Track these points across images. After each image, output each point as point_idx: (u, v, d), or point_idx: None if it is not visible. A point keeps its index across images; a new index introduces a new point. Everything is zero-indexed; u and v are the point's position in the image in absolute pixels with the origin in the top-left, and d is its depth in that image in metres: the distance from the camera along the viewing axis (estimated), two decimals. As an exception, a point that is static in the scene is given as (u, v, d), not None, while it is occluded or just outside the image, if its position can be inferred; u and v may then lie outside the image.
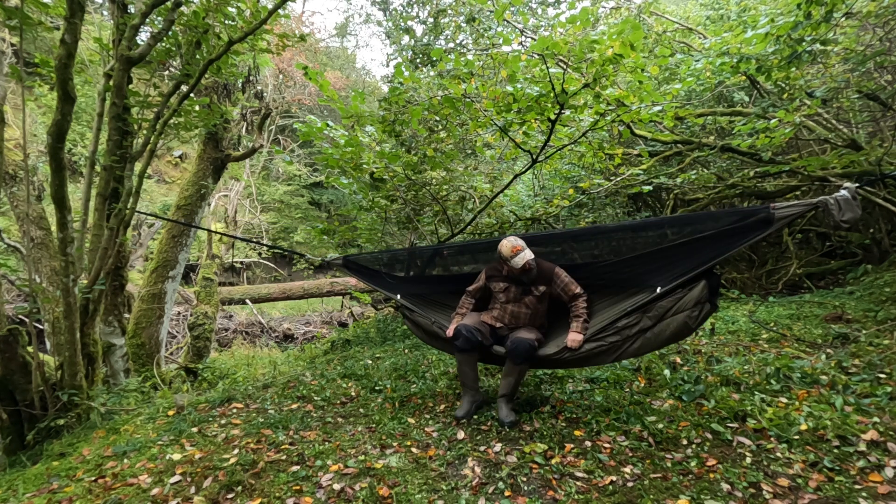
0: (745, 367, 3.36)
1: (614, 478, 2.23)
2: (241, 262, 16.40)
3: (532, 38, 6.43)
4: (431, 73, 6.19)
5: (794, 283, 6.14)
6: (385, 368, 4.21)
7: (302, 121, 5.67)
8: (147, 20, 3.83)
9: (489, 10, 6.56)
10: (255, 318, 11.89)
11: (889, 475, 2.11)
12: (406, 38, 7.75)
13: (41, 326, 6.93)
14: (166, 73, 5.80)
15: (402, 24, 7.79)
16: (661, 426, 2.68)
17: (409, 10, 8.14)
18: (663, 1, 8.06)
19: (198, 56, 4.27)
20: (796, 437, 2.43)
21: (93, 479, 2.44)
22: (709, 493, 2.08)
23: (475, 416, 3.00)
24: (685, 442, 2.53)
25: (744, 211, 2.50)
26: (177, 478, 2.36)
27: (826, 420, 2.52)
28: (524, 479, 2.27)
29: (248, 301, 11.57)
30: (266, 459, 2.49)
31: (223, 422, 3.12)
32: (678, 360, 3.66)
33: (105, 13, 9.70)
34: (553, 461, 2.41)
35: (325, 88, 4.35)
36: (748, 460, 2.31)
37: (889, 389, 2.80)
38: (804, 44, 3.99)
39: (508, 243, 2.92)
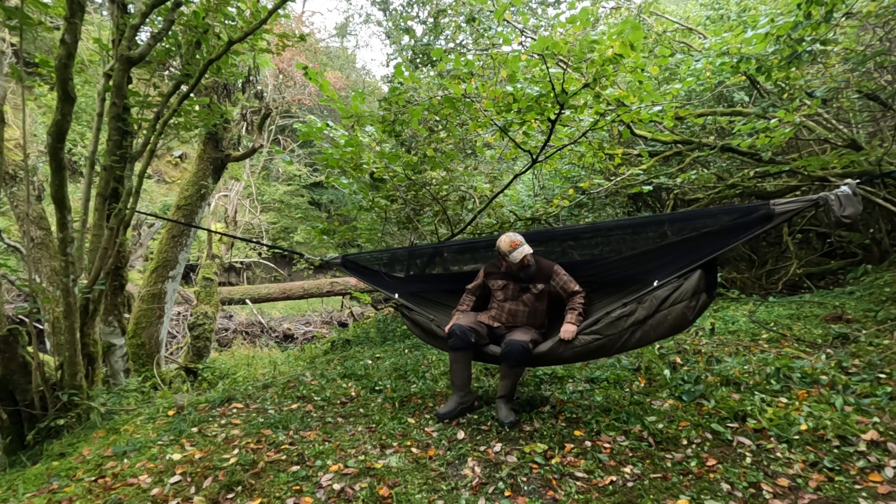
0: (745, 367, 3.36)
1: (614, 478, 2.23)
2: (241, 262, 16.41)
3: (532, 38, 6.43)
4: (431, 73, 6.19)
5: (794, 283, 6.13)
6: (385, 368, 4.21)
7: (302, 121, 5.67)
8: (147, 20, 3.83)
9: (489, 10, 6.56)
10: (255, 318, 11.89)
11: (889, 475, 2.11)
12: (406, 38, 7.76)
13: (41, 326, 6.93)
14: (166, 73, 5.80)
15: (402, 24, 7.79)
16: (661, 426, 2.68)
17: (409, 10, 8.14)
18: (663, 1, 8.06)
19: (198, 56, 4.27)
20: (796, 437, 2.43)
21: (93, 479, 2.44)
22: (709, 493, 2.08)
23: (475, 416, 3.00)
24: (685, 442, 2.53)
25: (744, 208, 2.50)
26: (177, 478, 2.36)
27: (826, 420, 2.52)
28: (524, 479, 2.27)
29: (248, 301, 11.57)
30: (266, 459, 2.49)
31: (223, 422, 3.12)
32: (678, 360, 3.66)
33: (105, 13, 9.70)
34: (553, 461, 2.41)
35: (325, 88, 4.35)
36: (748, 460, 2.31)
37: (889, 389, 2.79)
38: (804, 44, 3.98)
39: (507, 238, 2.92)
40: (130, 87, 4.09)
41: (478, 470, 2.35)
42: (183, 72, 4.14)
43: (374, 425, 2.96)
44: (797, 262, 6.17)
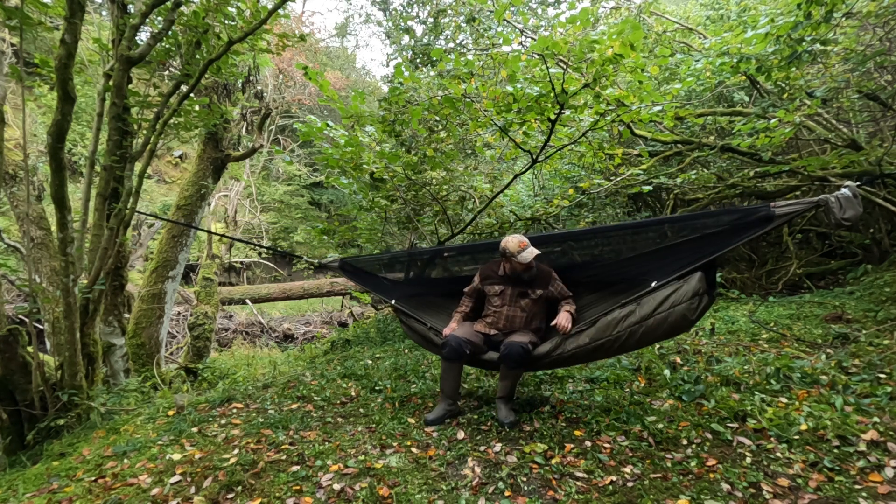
0: (745, 367, 3.36)
1: (614, 478, 2.23)
2: (241, 262, 16.42)
3: (532, 38, 6.42)
4: (431, 73, 6.19)
5: (794, 283, 6.14)
6: (385, 368, 4.21)
7: (302, 121, 5.67)
8: (147, 20, 3.83)
9: (489, 10, 6.56)
10: (255, 318, 11.89)
11: (889, 475, 2.11)
12: (406, 38, 7.76)
13: (41, 326, 6.93)
14: (166, 73, 5.80)
15: (402, 24, 7.79)
16: (661, 426, 2.68)
17: (409, 10, 8.14)
18: (663, 1, 8.06)
19: (198, 56, 4.27)
20: (796, 437, 2.43)
21: (93, 479, 2.44)
22: (709, 493, 2.08)
23: (475, 416, 3.00)
24: (685, 442, 2.53)
25: (744, 209, 2.50)
26: (177, 478, 2.36)
27: (826, 420, 2.52)
28: (524, 479, 2.27)
29: (248, 301, 11.57)
30: (266, 459, 2.48)
31: (223, 422, 3.12)
32: (678, 360, 3.66)
33: (105, 13, 9.70)
34: (553, 461, 2.41)
35: (325, 88, 4.35)
36: (748, 460, 2.31)
37: (889, 389, 2.80)
38: (804, 44, 3.98)
39: (515, 239, 2.90)
40: (130, 87, 4.09)
41: (478, 470, 2.35)
42: (183, 72, 4.14)
43: (374, 425, 2.96)
44: (797, 262, 6.17)
